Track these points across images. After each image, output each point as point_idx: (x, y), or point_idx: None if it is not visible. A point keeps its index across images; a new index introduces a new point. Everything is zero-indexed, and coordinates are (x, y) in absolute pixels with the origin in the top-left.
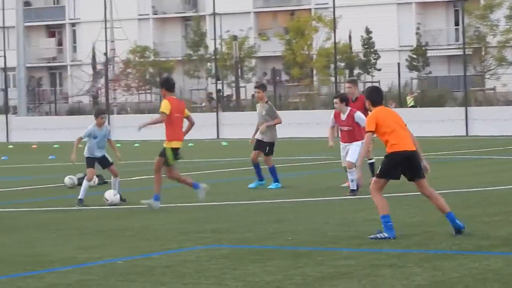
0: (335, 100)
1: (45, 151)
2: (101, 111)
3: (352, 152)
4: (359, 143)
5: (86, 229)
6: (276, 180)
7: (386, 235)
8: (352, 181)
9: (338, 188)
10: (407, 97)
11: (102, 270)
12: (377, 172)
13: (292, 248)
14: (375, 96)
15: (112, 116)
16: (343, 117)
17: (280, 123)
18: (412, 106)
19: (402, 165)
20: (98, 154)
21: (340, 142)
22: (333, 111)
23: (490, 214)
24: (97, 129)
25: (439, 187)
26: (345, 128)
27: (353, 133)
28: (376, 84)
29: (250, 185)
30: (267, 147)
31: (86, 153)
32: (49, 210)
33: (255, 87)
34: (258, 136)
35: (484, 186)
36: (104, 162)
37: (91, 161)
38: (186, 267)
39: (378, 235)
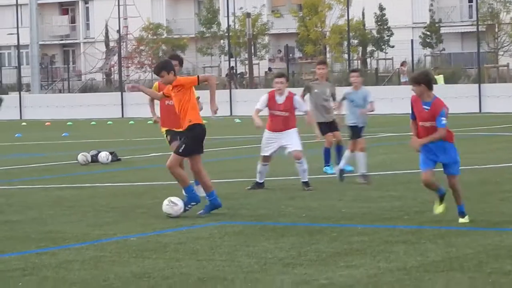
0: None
1: (58, 129)
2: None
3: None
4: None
5: (100, 206)
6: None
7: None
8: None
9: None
10: (436, 76)
11: (116, 246)
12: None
13: (306, 225)
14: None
15: (125, 94)
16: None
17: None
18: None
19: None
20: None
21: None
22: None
23: (504, 191)
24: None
25: None
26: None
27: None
28: (390, 61)
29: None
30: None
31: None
32: (63, 187)
33: (319, 63)
34: (320, 118)
35: (498, 163)
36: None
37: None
38: (199, 244)
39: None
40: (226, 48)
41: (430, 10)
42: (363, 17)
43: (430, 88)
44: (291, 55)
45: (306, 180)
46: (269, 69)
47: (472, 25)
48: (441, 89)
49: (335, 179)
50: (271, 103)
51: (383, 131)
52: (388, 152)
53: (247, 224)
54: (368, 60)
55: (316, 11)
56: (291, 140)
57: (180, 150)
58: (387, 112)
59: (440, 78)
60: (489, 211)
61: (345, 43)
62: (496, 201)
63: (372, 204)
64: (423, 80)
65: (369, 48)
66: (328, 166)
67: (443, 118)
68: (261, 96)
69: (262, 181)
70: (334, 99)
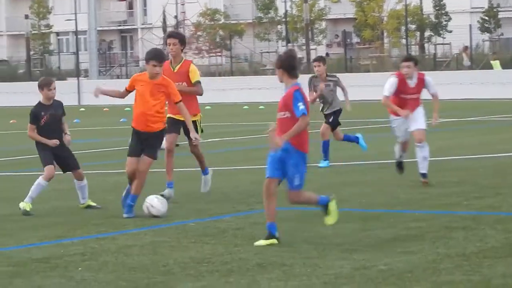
0: None
1: (116, 114)
2: None
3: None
4: None
5: (158, 191)
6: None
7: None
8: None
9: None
10: (492, 61)
11: (175, 232)
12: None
13: (363, 211)
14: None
15: None
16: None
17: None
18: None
19: None
20: None
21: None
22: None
23: None
24: None
25: None
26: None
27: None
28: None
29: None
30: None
31: None
32: (121, 173)
33: (315, 60)
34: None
35: None
36: None
37: None
38: (257, 229)
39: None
40: (284, 34)
41: None
42: (421, 2)
43: (290, 73)
44: (348, 40)
45: (425, 171)
46: (327, 54)
47: None
48: (497, 75)
49: (392, 165)
50: (401, 87)
51: (441, 117)
52: (446, 138)
53: (305, 209)
54: (426, 45)
55: None
56: (417, 118)
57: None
58: (445, 98)
59: (496, 63)
60: None
61: (403, 28)
62: None
63: (430, 190)
64: (282, 64)
65: (427, 33)
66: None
67: (299, 104)
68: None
69: (400, 160)
70: (343, 91)
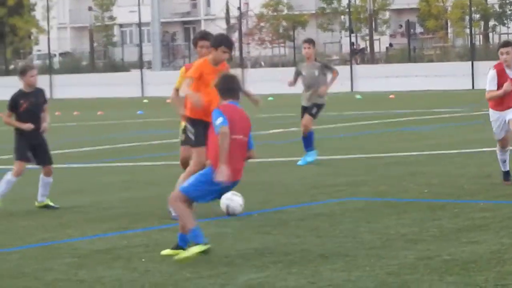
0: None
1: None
2: None
3: None
4: None
5: None
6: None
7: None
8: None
9: (474, 140)
10: None
11: (238, 223)
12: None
13: (428, 201)
14: None
15: (246, 70)
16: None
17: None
18: None
19: None
20: None
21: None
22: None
23: None
24: None
25: None
26: None
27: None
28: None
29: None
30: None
31: None
32: None
33: (305, 41)
34: (304, 102)
35: None
36: None
37: None
38: (320, 220)
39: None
40: (347, 24)
41: None
42: None
43: (222, 95)
44: (412, 30)
45: (507, 169)
46: (390, 44)
47: None
48: None
49: (454, 155)
50: (501, 78)
51: None
52: None
53: (368, 200)
54: (490, 35)
55: None
56: None
57: None
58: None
59: None
60: None
61: (467, 17)
62: None
63: (494, 180)
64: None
65: (491, 23)
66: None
67: (216, 121)
68: (382, 72)
69: (507, 169)
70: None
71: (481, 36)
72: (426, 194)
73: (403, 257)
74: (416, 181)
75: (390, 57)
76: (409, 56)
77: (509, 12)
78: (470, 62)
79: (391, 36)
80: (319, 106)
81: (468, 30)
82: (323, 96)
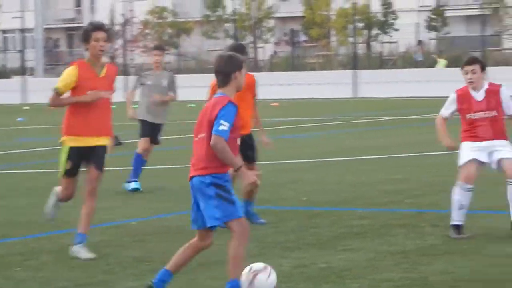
0: None
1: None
2: None
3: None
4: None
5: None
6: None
7: None
8: None
9: (353, 148)
10: (439, 59)
11: (117, 230)
12: None
13: (306, 209)
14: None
15: (129, 78)
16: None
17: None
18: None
19: None
20: None
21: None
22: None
23: None
24: None
25: None
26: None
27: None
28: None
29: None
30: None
31: None
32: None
33: (154, 48)
34: (147, 116)
35: None
36: None
37: None
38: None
39: None
40: (232, 32)
41: None
42: (369, 0)
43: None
44: (296, 38)
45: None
46: (274, 52)
47: (477, 8)
48: (440, 73)
49: (333, 163)
50: (464, 103)
51: (385, 115)
52: (389, 135)
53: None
54: (373, 43)
55: None
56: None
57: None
58: (390, 96)
59: (441, 62)
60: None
61: (351, 26)
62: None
63: (372, 187)
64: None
65: (374, 32)
66: (135, 181)
67: (221, 122)
68: (265, 80)
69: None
70: (174, 92)
71: (364, 44)
72: (304, 202)
73: (279, 265)
74: (296, 188)
75: (274, 65)
76: (293, 64)
77: (392, 21)
78: (352, 71)
79: (275, 44)
80: (162, 128)
81: (351, 39)
82: (166, 109)
